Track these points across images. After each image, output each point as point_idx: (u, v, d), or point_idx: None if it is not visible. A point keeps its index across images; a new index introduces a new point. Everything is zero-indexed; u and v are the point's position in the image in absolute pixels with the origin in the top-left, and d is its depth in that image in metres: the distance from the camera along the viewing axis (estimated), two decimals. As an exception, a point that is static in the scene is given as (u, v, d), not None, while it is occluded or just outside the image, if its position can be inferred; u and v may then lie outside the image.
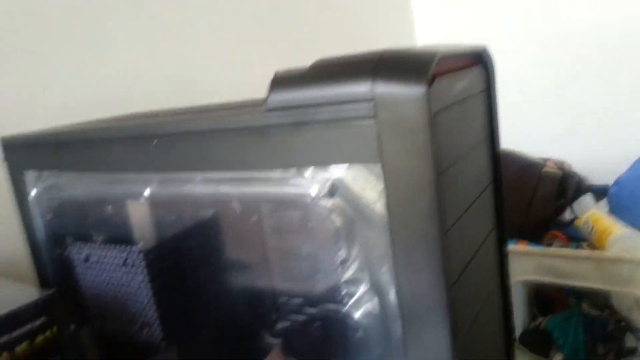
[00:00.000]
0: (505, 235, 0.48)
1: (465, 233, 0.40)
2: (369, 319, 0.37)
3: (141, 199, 0.45)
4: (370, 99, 0.32)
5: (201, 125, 0.39)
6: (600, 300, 0.92)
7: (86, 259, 0.50)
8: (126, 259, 0.47)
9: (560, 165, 1.05)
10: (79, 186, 0.48)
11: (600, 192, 1.03)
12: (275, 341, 0.42)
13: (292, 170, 0.37)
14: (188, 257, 0.45)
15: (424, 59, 0.33)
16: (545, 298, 0.94)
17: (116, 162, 0.45)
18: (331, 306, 0.39)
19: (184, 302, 0.46)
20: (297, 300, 0.40)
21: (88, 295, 0.51)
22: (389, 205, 0.34)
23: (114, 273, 0.48)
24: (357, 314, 0.38)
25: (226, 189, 0.40)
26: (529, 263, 0.83)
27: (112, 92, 0.76)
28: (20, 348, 0.42)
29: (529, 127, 1.17)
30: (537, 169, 1.00)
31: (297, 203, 0.38)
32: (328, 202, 0.36)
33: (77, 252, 0.50)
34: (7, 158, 0.53)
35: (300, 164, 0.36)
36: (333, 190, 0.36)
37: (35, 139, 0.50)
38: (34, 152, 0.51)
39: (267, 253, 0.41)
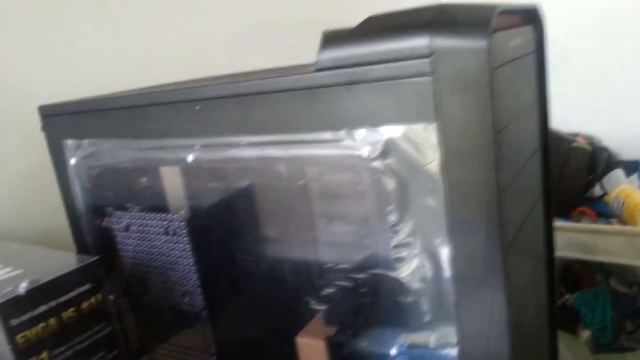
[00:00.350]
0: (552, 204, 0.47)
1: (517, 197, 0.39)
2: (421, 283, 0.37)
3: (183, 165, 0.44)
4: (429, 54, 0.31)
5: (247, 87, 0.39)
6: (628, 276, 0.91)
7: (126, 228, 0.50)
8: (168, 227, 0.46)
9: (590, 140, 1.03)
10: (120, 154, 0.48)
11: (630, 167, 1.01)
12: (320, 307, 0.42)
13: (343, 131, 0.36)
14: (231, 224, 0.45)
15: (484, 11, 0.32)
16: (571, 275, 0.93)
17: (158, 128, 0.44)
18: (381, 271, 0.38)
19: (227, 269, 0.46)
20: (345, 266, 0.40)
21: (128, 264, 0.51)
22: (446, 164, 0.33)
23: (154, 242, 0.48)
24: (408, 279, 0.37)
25: (273, 152, 0.39)
26: (558, 238, 0.82)
27: (132, 67, 0.75)
28: (67, 313, 0.42)
29: (558, 102, 1.14)
30: (566, 144, 0.98)
31: (347, 165, 0.37)
32: (380, 164, 0.35)
33: (117, 221, 0.50)
34: (46, 127, 0.52)
35: (352, 125, 0.35)
36: (386, 151, 0.35)
37: (74, 106, 0.50)
38: (73, 120, 0.50)
39: (315, 217, 0.40)
